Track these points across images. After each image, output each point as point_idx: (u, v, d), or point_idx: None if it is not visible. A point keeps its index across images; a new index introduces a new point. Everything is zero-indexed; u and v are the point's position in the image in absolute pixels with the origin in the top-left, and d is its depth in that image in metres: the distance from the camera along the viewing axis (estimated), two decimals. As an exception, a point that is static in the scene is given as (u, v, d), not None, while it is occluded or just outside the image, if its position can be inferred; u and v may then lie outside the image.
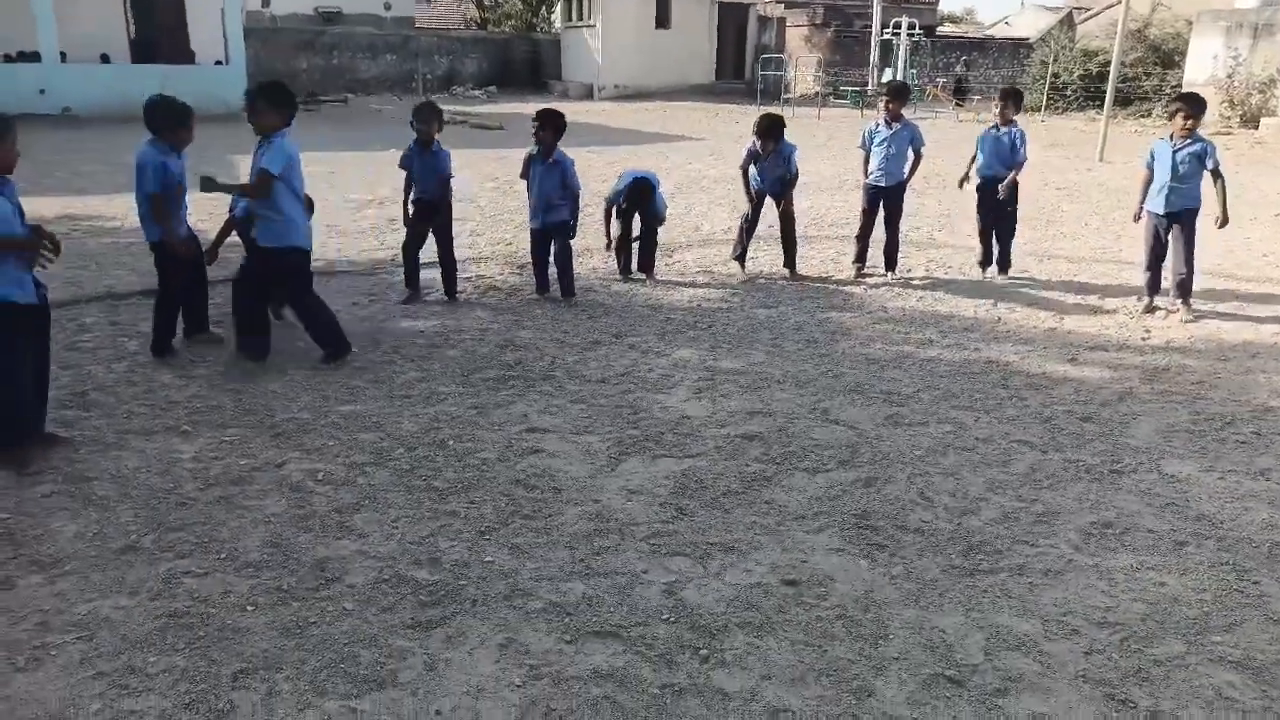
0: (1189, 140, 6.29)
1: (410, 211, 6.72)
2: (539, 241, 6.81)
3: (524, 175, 6.74)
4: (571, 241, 6.81)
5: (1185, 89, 20.65)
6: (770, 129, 7.00)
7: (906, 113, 7.71)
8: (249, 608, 3.14)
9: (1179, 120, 6.33)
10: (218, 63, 21.46)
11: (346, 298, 6.78)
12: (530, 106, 25.66)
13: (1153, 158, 6.49)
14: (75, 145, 14.52)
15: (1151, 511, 3.83)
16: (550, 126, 6.54)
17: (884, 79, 25.51)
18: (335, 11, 31.44)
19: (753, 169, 7.28)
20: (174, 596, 3.22)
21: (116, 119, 17.72)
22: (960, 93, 25.68)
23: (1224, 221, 6.40)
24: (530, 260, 6.98)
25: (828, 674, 2.83)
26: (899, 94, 7.49)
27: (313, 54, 29.23)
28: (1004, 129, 7.26)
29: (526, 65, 32.69)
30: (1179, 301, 6.56)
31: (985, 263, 7.61)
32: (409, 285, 6.83)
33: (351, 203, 10.52)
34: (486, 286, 7.25)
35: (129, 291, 6.76)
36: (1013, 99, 7.41)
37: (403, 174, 6.74)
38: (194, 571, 3.37)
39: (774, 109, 24.42)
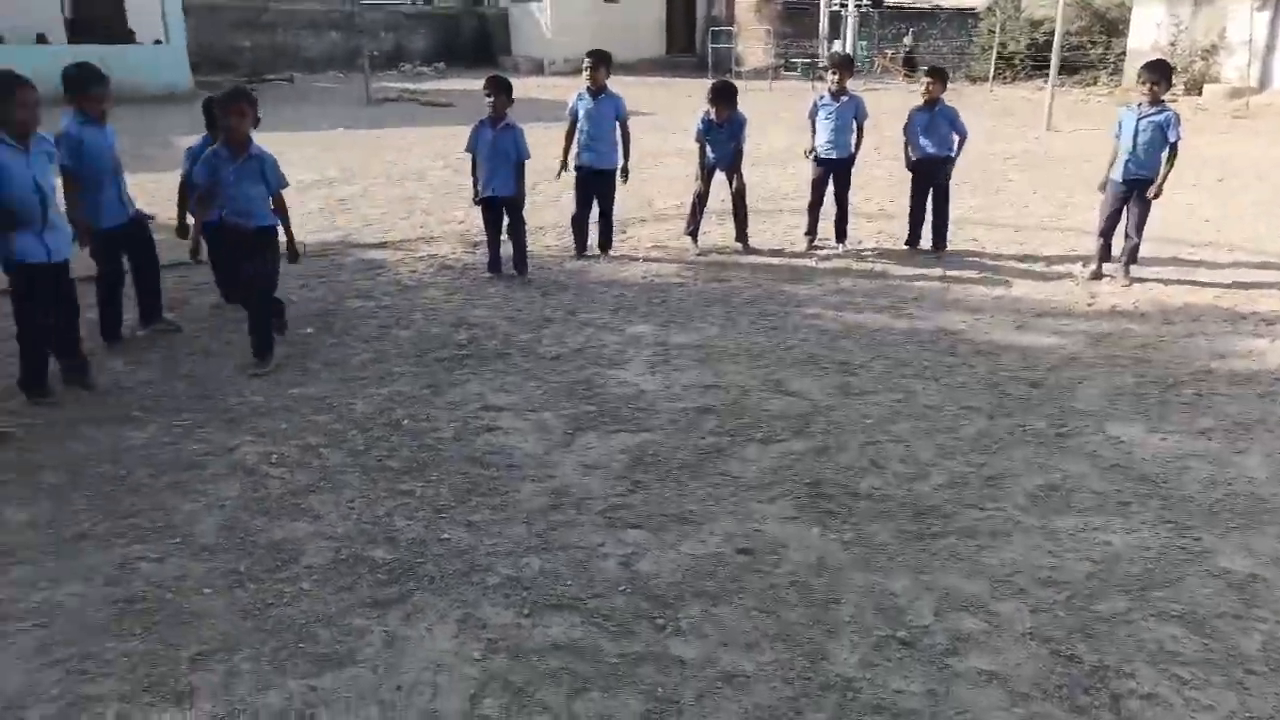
0: (1155, 109, 6.36)
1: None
2: (490, 212, 6.73)
3: (470, 147, 6.64)
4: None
5: (1129, 57, 21.03)
6: (724, 93, 7.03)
7: (855, 84, 7.74)
8: (205, 591, 3.12)
9: (1146, 87, 6.38)
10: (156, 41, 20.85)
11: (297, 279, 6.68)
12: (479, 83, 25.39)
13: (1120, 127, 6.56)
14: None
15: (1097, 473, 3.95)
16: (501, 91, 6.47)
17: (833, 50, 25.61)
18: (278, -14, 30.67)
19: (707, 145, 7.28)
20: (129, 582, 3.19)
21: (56, 100, 17.19)
22: (910, 64, 25.82)
23: (1157, 193, 6.48)
24: (484, 237, 6.92)
25: (781, 639, 2.90)
26: (843, 66, 7.52)
27: (255, 32, 28.53)
28: (934, 107, 7.24)
29: (475, 40, 32.27)
30: (1122, 268, 6.71)
31: (912, 242, 7.63)
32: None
33: (300, 183, 10.32)
34: (439, 265, 7.19)
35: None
36: (939, 75, 7.38)
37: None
38: (149, 557, 3.33)
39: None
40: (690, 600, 3.08)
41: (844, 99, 7.26)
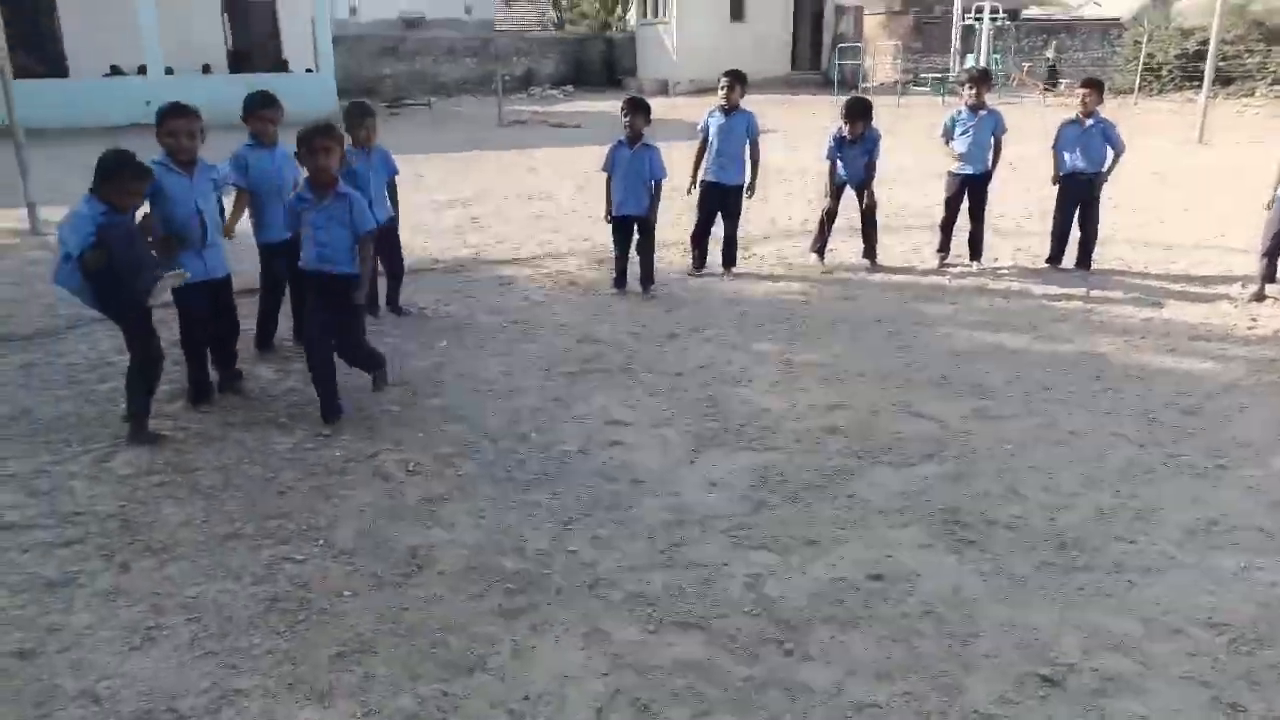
0: None
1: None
2: (621, 231, 6.83)
3: (606, 167, 6.76)
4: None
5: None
6: (858, 109, 6.96)
7: (991, 99, 7.51)
8: (345, 593, 3.25)
9: None
10: (308, 70, 22.18)
11: (432, 294, 6.93)
12: (606, 104, 25.92)
13: None
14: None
15: (1261, 509, 3.66)
16: (639, 112, 6.56)
17: (966, 65, 24.88)
18: (419, 18, 32.15)
19: (839, 162, 7.20)
20: (275, 581, 3.35)
21: (218, 126, 18.49)
22: (1054, 77, 24.82)
23: None
24: (613, 254, 7.00)
25: (915, 670, 2.79)
26: (981, 80, 7.31)
27: (396, 60, 30.01)
28: (1088, 120, 6.97)
29: (602, 63, 32.93)
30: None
31: (1055, 259, 7.35)
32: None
33: (435, 202, 10.74)
34: (566, 282, 7.33)
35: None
36: (1095, 87, 7.12)
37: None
38: (293, 558, 3.50)
39: (853, 99, 24.09)
40: (818, 625, 3.01)
41: (982, 113, 7.06)
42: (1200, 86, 15.49)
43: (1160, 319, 6.07)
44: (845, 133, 7.01)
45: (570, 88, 30.79)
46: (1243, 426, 4.42)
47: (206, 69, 21.94)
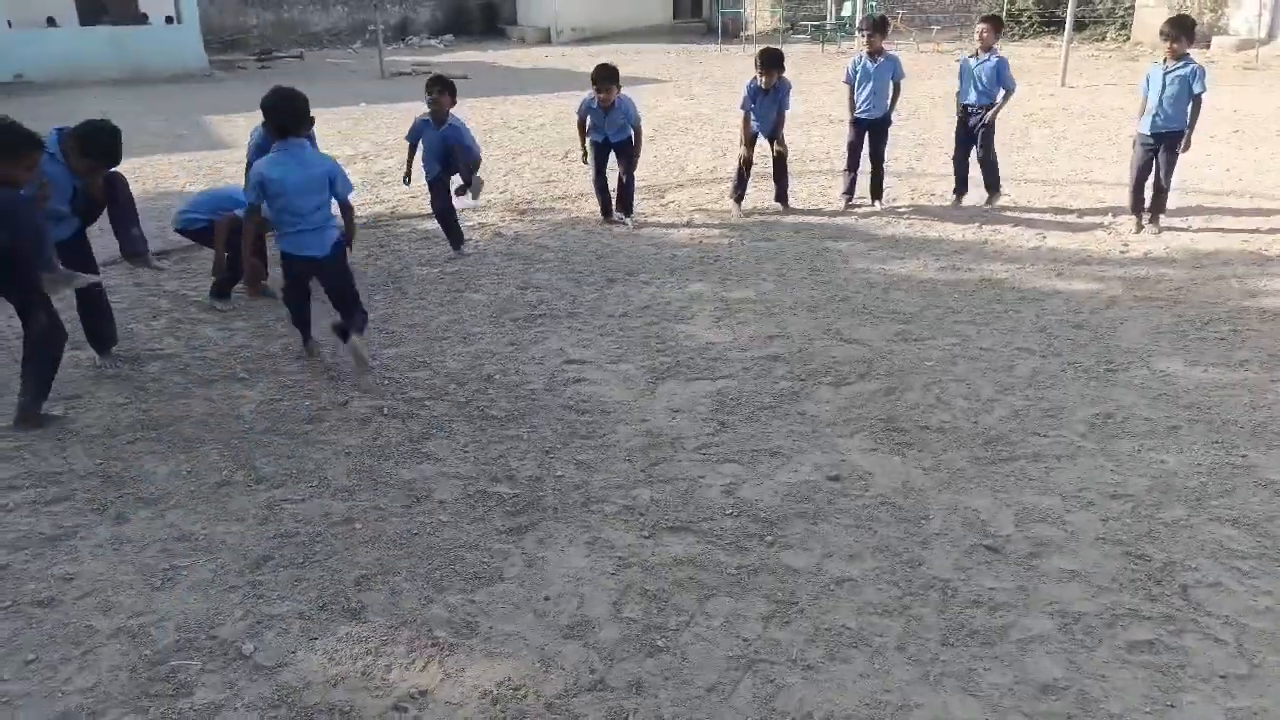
0: (1180, 64, 6.60)
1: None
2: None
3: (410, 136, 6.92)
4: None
5: (1137, 11, 21.06)
6: (773, 60, 7.27)
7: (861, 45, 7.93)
8: (357, 525, 3.46)
9: (1167, 44, 6.62)
10: (169, 20, 20.97)
11: (360, 250, 6.97)
12: (490, 55, 25.52)
13: (1147, 83, 6.79)
14: (32, 112, 14.26)
15: (1146, 402, 4.27)
16: (446, 90, 6.64)
17: (842, 13, 25.60)
18: (282, -38, 30.64)
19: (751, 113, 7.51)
20: (280, 521, 3.52)
21: (69, 84, 17.41)
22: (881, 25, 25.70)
23: (1187, 146, 6.72)
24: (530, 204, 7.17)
25: (880, 550, 3.23)
26: (879, 27, 7.74)
27: (262, 8, 28.60)
28: (985, 55, 7.48)
29: (482, 11, 32.22)
30: (1152, 217, 6.98)
31: (960, 191, 7.90)
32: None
33: (338, 158, 10.56)
34: (492, 233, 7.48)
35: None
36: (993, 23, 7.61)
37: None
38: (291, 499, 3.67)
39: (735, 46, 24.49)
40: (793, 520, 3.42)
41: (880, 60, 7.51)
42: (1056, 32, 16.51)
43: (1047, 247, 6.72)
44: (760, 83, 7.33)
45: (450, 37, 30.07)
46: (1125, 335, 5.06)
47: (51, 21, 20.45)
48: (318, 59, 24.94)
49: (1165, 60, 6.68)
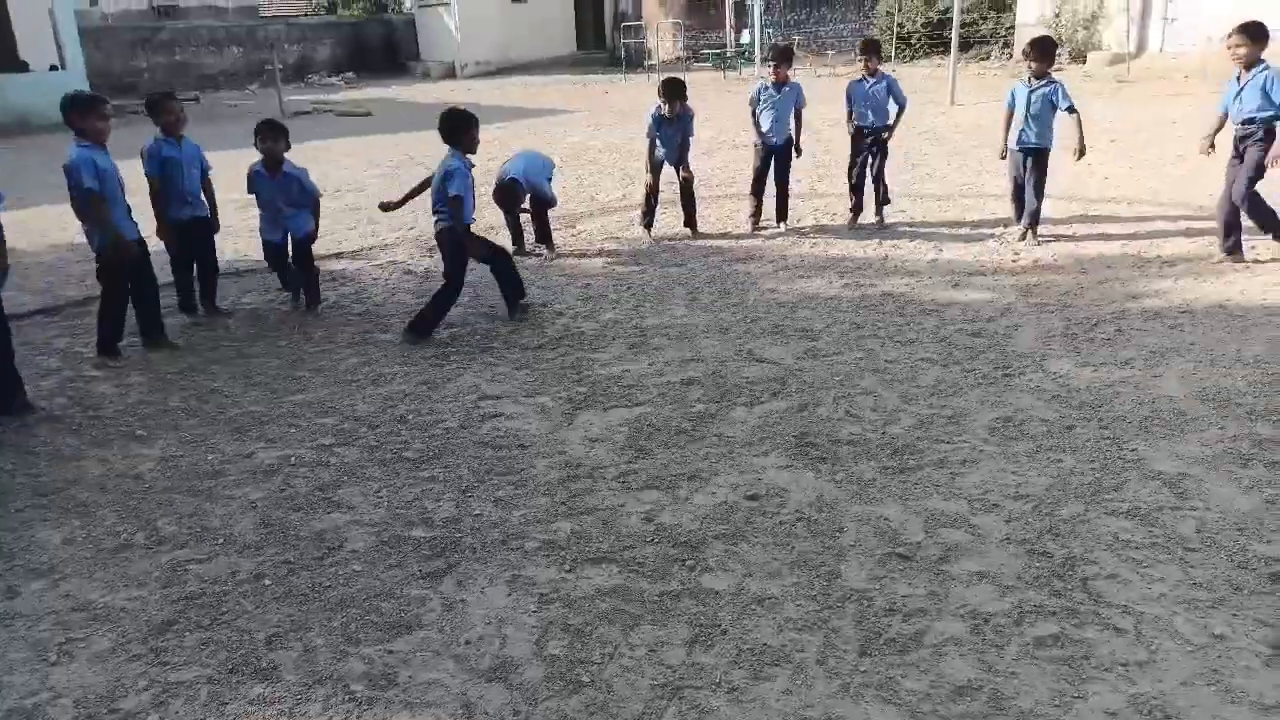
0: (1042, 82, 6.95)
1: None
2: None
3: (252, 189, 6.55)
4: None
5: (1018, 30, 22.12)
6: (675, 89, 7.39)
7: (762, 71, 8.17)
8: (265, 581, 3.35)
9: (1028, 64, 6.98)
10: (53, 67, 20.21)
11: (259, 295, 6.82)
12: (393, 91, 25.31)
13: (1012, 99, 7.12)
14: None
15: (1042, 404, 4.45)
16: (280, 136, 6.26)
17: (741, 39, 26.25)
18: (171, 5, 29.98)
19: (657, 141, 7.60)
20: (184, 583, 3.39)
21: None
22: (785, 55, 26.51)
23: (1081, 153, 7.05)
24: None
25: (798, 565, 3.28)
26: (785, 58, 7.91)
27: (152, 52, 27.89)
28: (872, 79, 7.74)
29: (383, 48, 32.06)
30: (1029, 230, 7.26)
31: (856, 210, 8.07)
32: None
33: (237, 202, 10.31)
34: (402, 271, 7.39)
35: (22, 312, 6.56)
36: (872, 48, 7.89)
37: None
38: (196, 559, 3.53)
39: (639, 76, 24.82)
40: (712, 542, 3.44)
41: (785, 88, 7.70)
42: (944, 53, 17.23)
43: (943, 260, 6.96)
44: (664, 112, 7.44)
45: (351, 74, 29.77)
46: (1020, 341, 5.26)
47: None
48: (215, 101, 24.40)
49: (1029, 79, 7.04)
